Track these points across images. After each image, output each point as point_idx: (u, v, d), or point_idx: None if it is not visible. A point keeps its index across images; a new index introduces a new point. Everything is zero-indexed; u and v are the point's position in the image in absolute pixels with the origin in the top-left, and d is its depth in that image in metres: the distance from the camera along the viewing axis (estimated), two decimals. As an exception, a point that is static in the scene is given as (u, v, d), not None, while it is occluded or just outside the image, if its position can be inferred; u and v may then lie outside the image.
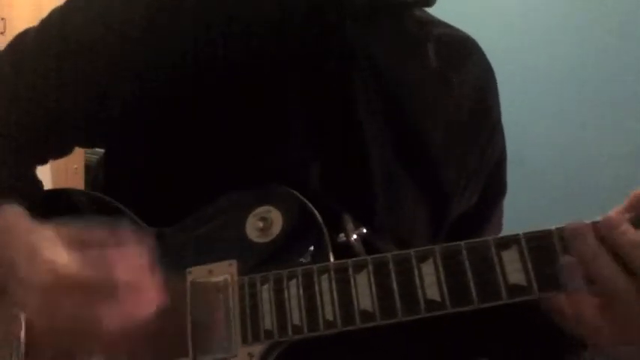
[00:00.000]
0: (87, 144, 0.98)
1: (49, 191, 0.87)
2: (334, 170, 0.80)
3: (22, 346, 0.77)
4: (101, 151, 0.96)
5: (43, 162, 0.88)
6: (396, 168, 0.83)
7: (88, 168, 2.11)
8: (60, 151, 0.90)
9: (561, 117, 3.22)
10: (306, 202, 0.73)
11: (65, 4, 0.88)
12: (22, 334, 0.77)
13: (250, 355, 0.69)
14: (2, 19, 3.19)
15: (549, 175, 3.14)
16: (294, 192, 0.74)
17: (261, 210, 0.74)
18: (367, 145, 0.82)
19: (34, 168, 0.86)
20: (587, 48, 3.21)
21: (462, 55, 0.93)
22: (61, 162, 0.94)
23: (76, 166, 2.33)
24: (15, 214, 0.73)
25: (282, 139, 0.81)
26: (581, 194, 2.88)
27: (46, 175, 0.91)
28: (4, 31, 3.22)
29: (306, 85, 0.81)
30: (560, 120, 3.22)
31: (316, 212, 0.73)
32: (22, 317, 0.78)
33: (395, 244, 0.79)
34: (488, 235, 0.74)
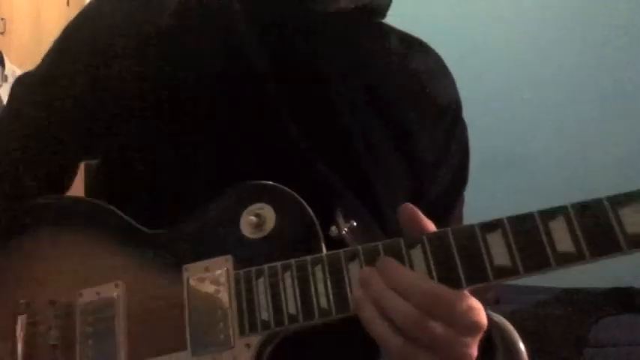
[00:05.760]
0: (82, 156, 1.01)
1: (49, 199, 0.89)
2: (324, 165, 0.84)
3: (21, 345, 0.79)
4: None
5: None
6: (382, 155, 0.88)
7: (88, 169, 2.12)
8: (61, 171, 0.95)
9: (561, 118, 3.25)
10: (298, 197, 0.75)
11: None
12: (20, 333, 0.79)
13: (248, 345, 0.70)
14: (2, 19, 3.22)
15: (549, 175, 3.16)
16: (286, 189, 0.76)
17: (254, 207, 0.76)
18: (352, 133, 0.86)
19: None
20: (587, 49, 3.24)
21: (420, 47, 0.99)
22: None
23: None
24: None
25: (271, 141, 0.84)
26: (580, 195, 2.89)
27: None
28: (4, 31, 3.25)
29: (287, 88, 0.85)
30: (560, 121, 3.25)
31: (308, 207, 0.75)
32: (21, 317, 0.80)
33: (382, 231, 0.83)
34: (453, 223, 0.77)
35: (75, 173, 0.95)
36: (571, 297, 2.66)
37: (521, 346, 1.22)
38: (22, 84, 0.97)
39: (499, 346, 0.85)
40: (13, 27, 3.27)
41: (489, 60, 3.19)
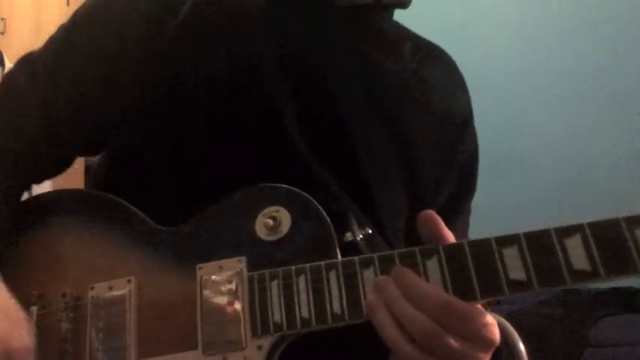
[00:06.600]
0: (90, 151, 1.01)
1: (62, 192, 0.90)
2: (323, 170, 0.84)
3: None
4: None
5: (40, 180, 0.92)
6: (382, 162, 0.88)
7: (88, 168, 2.13)
8: (64, 163, 0.95)
9: (561, 118, 3.25)
10: (314, 202, 0.76)
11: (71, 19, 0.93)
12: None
13: (259, 347, 0.71)
14: (2, 19, 3.22)
15: (549, 175, 3.16)
16: (302, 193, 0.77)
17: (270, 210, 0.76)
18: (354, 137, 0.86)
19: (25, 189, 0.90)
20: (588, 51, 3.23)
21: (434, 56, 0.99)
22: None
23: (76, 166, 2.32)
24: None
25: (272, 142, 0.84)
26: (580, 194, 2.90)
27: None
28: (4, 31, 3.25)
29: (290, 88, 0.85)
30: (560, 121, 3.25)
31: (324, 212, 0.75)
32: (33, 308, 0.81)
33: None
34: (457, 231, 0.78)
35: (66, 166, 0.96)
36: (571, 297, 2.67)
37: (521, 346, 1.23)
38: (26, 70, 0.93)
39: (503, 350, 0.85)
40: (13, 27, 3.26)
41: (490, 62, 3.19)
